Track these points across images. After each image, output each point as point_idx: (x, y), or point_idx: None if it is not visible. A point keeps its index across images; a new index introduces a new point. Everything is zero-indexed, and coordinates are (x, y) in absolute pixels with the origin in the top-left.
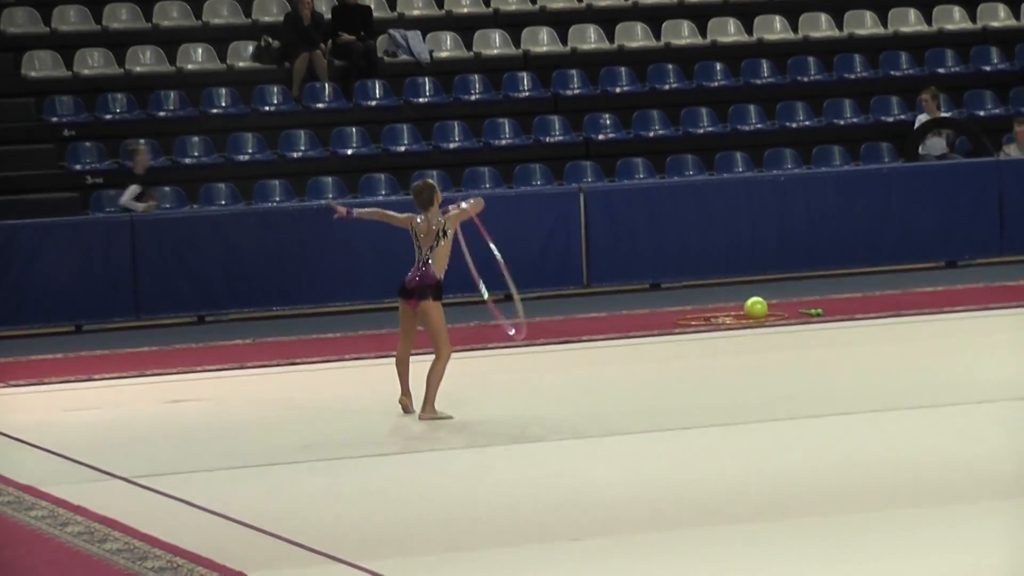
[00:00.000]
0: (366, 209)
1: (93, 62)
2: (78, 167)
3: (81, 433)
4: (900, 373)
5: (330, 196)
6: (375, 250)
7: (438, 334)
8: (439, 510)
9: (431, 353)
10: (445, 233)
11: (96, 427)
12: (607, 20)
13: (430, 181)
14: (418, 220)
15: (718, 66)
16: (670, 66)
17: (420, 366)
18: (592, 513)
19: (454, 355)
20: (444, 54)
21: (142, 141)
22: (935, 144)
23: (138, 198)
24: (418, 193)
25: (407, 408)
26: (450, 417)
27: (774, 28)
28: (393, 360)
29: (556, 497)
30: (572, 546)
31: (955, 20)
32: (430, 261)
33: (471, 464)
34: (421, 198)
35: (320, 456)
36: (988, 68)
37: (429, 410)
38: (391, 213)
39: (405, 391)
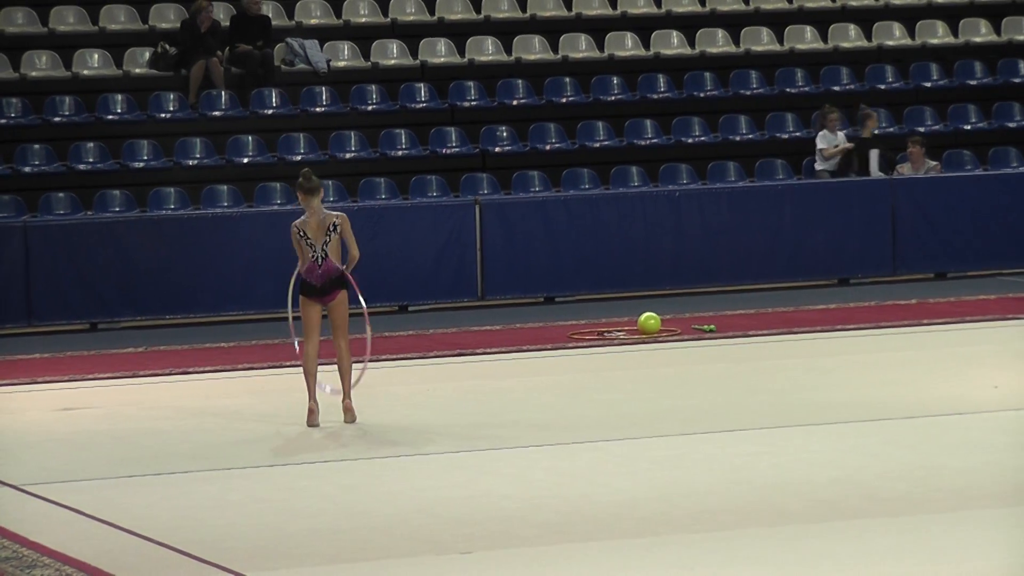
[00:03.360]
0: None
1: None
2: None
3: None
4: (791, 390)
5: (225, 204)
6: (269, 259)
7: (346, 324)
8: (331, 521)
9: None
10: (335, 227)
11: None
12: (504, 32)
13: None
14: (301, 220)
15: (615, 79)
16: (567, 79)
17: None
18: (484, 526)
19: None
20: (341, 63)
21: None
22: (875, 161)
23: None
24: (307, 178)
25: (314, 417)
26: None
27: (671, 43)
28: (297, 368)
29: (448, 510)
30: (463, 559)
31: (851, 38)
32: (327, 255)
33: (363, 475)
34: (310, 183)
35: (212, 466)
36: (883, 87)
37: (348, 403)
38: (296, 246)
39: (313, 396)
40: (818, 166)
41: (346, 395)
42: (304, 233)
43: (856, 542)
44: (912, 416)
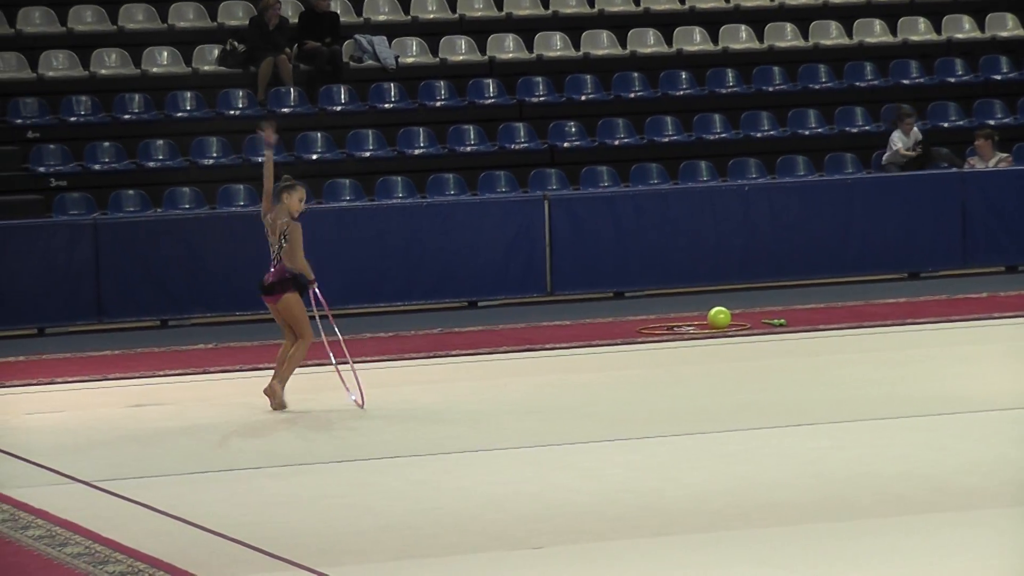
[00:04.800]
0: (269, 164)
1: (58, 64)
2: (41, 169)
3: (43, 436)
4: (862, 384)
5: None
6: (337, 255)
7: (297, 323)
8: (400, 517)
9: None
10: (286, 237)
11: (58, 431)
12: (573, 28)
13: (290, 179)
14: (269, 216)
15: (683, 75)
16: (635, 74)
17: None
18: (555, 521)
19: (414, 361)
20: (410, 60)
21: None
22: None
23: None
24: (281, 183)
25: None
26: (284, 407)
27: (740, 38)
28: (364, 363)
29: (519, 505)
30: (534, 553)
31: (919, 31)
32: (281, 258)
33: (433, 470)
34: (277, 187)
35: (281, 462)
36: (952, 80)
37: (276, 386)
38: (267, 190)
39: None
40: (885, 160)
41: (274, 378)
42: (265, 228)
43: (927, 536)
44: (983, 410)
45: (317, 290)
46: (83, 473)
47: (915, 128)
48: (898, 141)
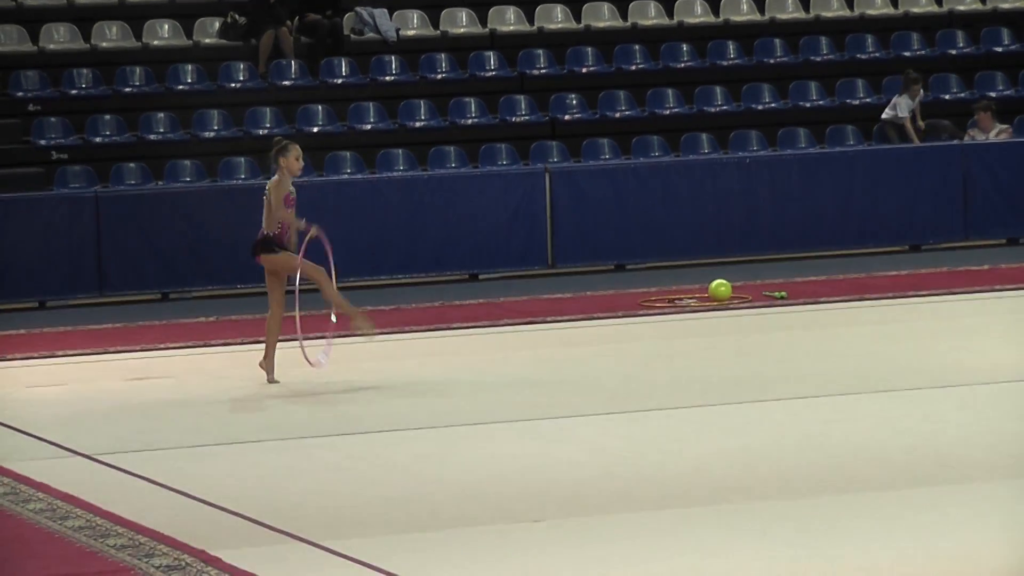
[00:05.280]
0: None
1: (59, 37)
2: (43, 142)
3: (44, 409)
4: (863, 357)
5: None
6: (340, 228)
7: (271, 284)
8: (403, 489)
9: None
10: (266, 194)
11: (59, 404)
12: (574, 0)
13: (282, 140)
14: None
15: (684, 47)
16: (636, 47)
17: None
18: (556, 494)
19: (415, 334)
20: (411, 32)
21: None
22: None
23: None
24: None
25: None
26: (276, 382)
27: (740, 9)
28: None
29: (520, 477)
30: (536, 527)
31: (921, 4)
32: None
33: (435, 443)
34: (271, 153)
35: (283, 435)
36: (954, 52)
37: (261, 362)
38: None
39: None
40: (885, 115)
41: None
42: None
43: (931, 509)
44: (985, 382)
45: (315, 234)
46: (84, 446)
47: (920, 93)
48: (904, 106)
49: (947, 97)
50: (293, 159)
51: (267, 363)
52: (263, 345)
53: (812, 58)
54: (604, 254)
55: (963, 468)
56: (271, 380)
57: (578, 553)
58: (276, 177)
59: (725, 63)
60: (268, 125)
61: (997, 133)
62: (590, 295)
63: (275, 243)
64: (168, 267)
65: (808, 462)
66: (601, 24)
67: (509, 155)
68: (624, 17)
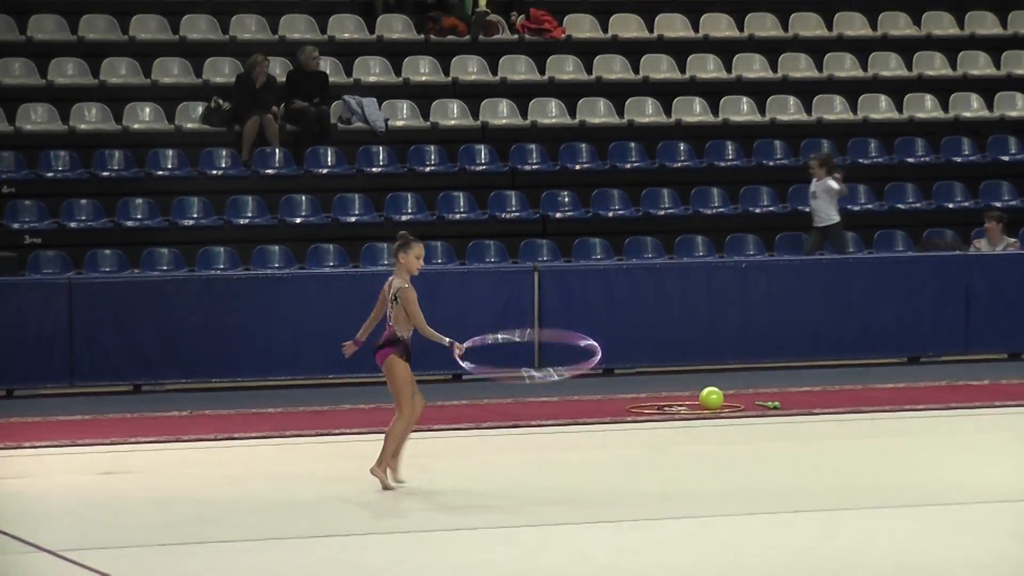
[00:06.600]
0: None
1: (36, 117)
2: (16, 225)
3: (9, 503)
4: (857, 471)
5: (276, 265)
6: (320, 323)
7: (397, 392)
8: None
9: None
10: (396, 299)
11: (24, 497)
12: (569, 94)
13: (406, 236)
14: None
15: (682, 146)
16: (632, 144)
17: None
18: None
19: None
20: (400, 123)
21: None
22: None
23: None
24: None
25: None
26: (394, 486)
27: (741, 110)
28: (343, 436)
29: None
30: None
31: (926, 109)
32: (390, 322)
33: (412, 548)
34: (392, 247)
35: (255, 535)
36: (959, 159)
37: (378, 466)
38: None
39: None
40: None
41: (376, 463)
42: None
43: None
44: (983, 501)
45: (457, 355)
46: (48, 542)
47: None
48: (834, 184)
49: (951, 205)
50: (413, 257)
51: (382, 470)
52: (238, 440)
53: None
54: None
55: None
56: (388, 487)
57: None
58: (400, 278)
59: (722, 163)
60: (250, 214)
61: (1005, 246)
62: (578, 399)
63: (406, 349)
64: (141, 358)
65: None
66: (596, 120)
67: (498, 252)
68: (620, 114)
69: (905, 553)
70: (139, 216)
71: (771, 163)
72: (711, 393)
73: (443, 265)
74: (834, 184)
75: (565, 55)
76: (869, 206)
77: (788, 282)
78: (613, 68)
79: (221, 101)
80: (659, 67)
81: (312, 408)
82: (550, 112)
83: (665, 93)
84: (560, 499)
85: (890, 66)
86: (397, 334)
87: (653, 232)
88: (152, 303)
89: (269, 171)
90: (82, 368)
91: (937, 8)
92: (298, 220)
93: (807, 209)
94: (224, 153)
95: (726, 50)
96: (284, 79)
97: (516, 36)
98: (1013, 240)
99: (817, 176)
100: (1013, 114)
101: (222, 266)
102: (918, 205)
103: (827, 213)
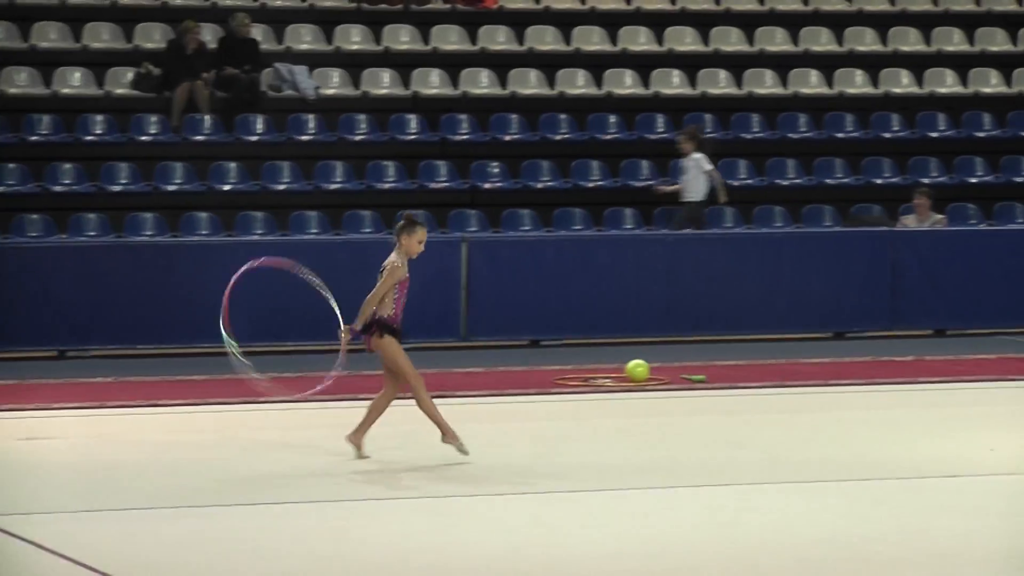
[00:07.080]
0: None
1: None
2: None
3: None
4: (780, 445)
5: (204, 232)
6: (248, 291)
7: (397, 368)
8: (298, 564)
9: None
10: (381, 274)
11: None
12: (500, 65)
13: (411, 217)
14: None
15: (612, 118)
16: (563, 115)
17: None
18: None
19: (319, 404)
20: (330, 91)
21: None
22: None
23: None
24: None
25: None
26: (368, 455)
27: (673, 82)
28: (268, 405)
29: (422, 558)
30: None
31: (856, 84)
32: (384, 301)
33: (336, 518)
34: (395, 229)
35: (178, 502)
36: (888, 135)
37: (351, 437)
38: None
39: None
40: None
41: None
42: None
43: None
44: (903, 477)
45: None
46: None
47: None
48: (706, 163)
49: (879, 181)
50: (415, 241)
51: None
52: (163, 408)
53: (742, 135)
54: (520, 329)
55: (877, 565)
56: (362, 455)
57: None
58: (394, 256)
59: (652, 136)
60: (179, 180)
61: (933, 223)
62: (503, 370)
63: (393, 327)
64: (67, 324)
65: (718, 552)
66: (527, 91)
67: (427, 222)
68: (551, 85)
69: (827, 527)
70: (67, 181)
71: (703, 136)
72: (637, 366)
73: (371, 234)
74: (706, 164)
75: (497, 25)
76: (797, 180)
77: (716, 256)
78: (545, 39)
79: (152, 67)
80: (591, 38)
81: (236, 376)
82: (481, 82)
83: (597, 65)
84: (482, 469)
85: (820, 41)
86: (376, 314)
87: (582, 204)
88: (79, 269)
89: (199, 138)
90: (6, 333)
91: None
92: (227, 187)
93: (734, 184)
94: (154, 119)
95: (658, 23)
96: (216, 46)
97: (448, 6)
98: (941, 216)
99: (684, 151)
100: (943, 91)
101: (150, 232)
102: (847, 180)
103: (695, 188)
